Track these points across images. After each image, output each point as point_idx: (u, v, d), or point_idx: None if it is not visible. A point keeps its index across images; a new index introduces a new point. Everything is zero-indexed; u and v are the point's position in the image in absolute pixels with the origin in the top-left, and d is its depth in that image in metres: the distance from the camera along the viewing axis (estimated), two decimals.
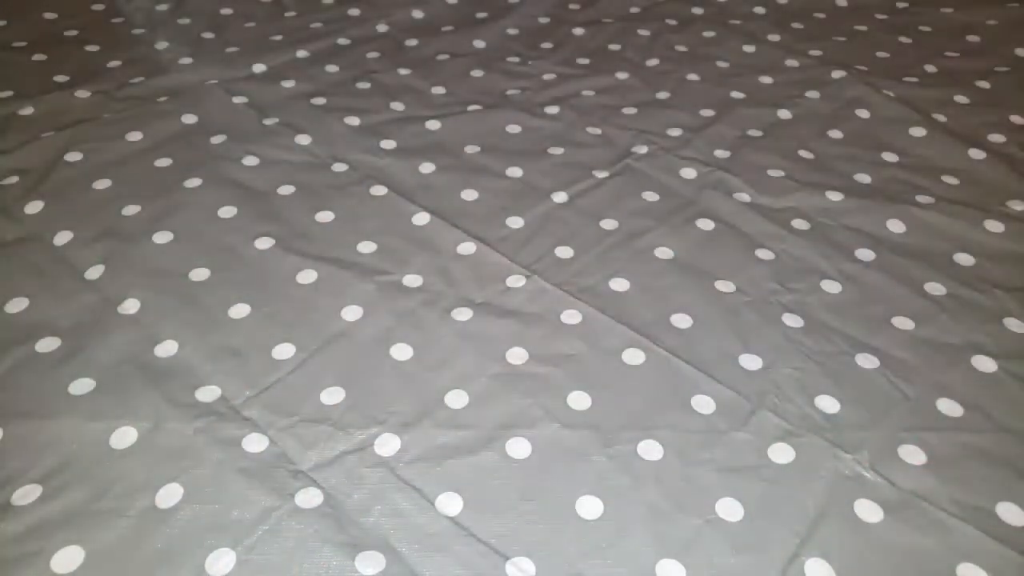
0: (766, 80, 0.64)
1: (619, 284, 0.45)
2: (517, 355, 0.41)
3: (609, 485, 0.35)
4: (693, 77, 0.64)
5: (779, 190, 0.52)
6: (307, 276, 0.45)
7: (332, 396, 0.39)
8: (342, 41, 0.68)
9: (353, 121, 0.58)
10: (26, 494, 0.35)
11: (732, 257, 0.47)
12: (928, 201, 0.51)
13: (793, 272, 0.46)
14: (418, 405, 0.39)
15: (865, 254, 0.48)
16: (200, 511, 0.34)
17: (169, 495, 0.35)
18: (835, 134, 0.58)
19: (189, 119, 0.58)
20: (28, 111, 0.58)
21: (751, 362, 0.41)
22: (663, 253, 0.47)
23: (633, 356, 0.41)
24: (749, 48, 0.68)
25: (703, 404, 0.39)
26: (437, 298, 0.44)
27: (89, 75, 0.62)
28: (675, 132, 0.58)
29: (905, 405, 0.39)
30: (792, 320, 0.43)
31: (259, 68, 0.64)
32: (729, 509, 0.35)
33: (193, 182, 0.52)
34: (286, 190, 0.52)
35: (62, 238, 0.47)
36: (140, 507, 0.34)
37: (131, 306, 0.43)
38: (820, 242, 0.48)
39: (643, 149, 0.56)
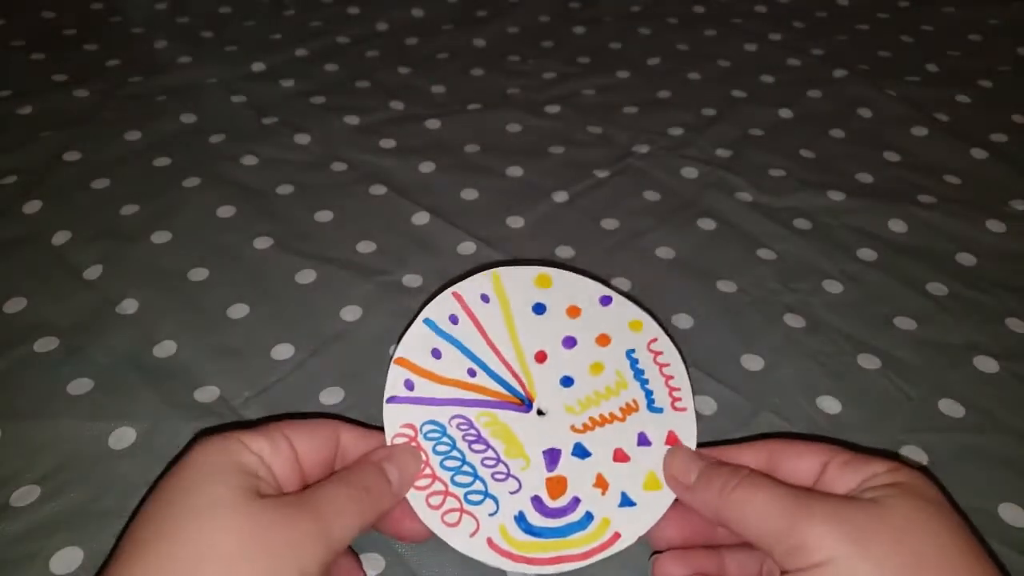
0: (768, 79, 0.64)
1: (620, 284, 0.45)
2: None
3: None
4: (694, 76, 0.64)
5: (781, 189, 0.52)
6: (306, 276, 0.45)
7: (332, 396, 0.39)
8: (341, 40, 0.67)
9: (352, 120, 0.58)
10: (25, 495, 0.34)
11: (734, 257, 0.47)
12: (930, 201, 0.51)
13: (795, 272, 0.46)
14: None
15: (867, 254, 0.48)
16: None
17: None
18: (837, 133, 0.58)
19: (188, 118, 0.58)
20: (26, 110, 0.57)
21: (752, 362, 0.41)
22: (664, 253, 0.47)
23: None
24: (751, 47, 0.68)
25: (704, 405, 0.39)
26: None
27: (88, 74, 0.62)
28: (676, 131, 0.57)
29: (907, 405, 0.39)
30: (794, 320, 0.43)
31: (258, 67, 0.64)
32: None
33: (192, 181, 0.52)
34: (285, 189, 0.51)
35: (60, 237, 0.47)
36: None
37: (129, 306, 0.43)
38: (822, 242, 0.48)
39: (644, 148, 0.56)
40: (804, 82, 0.63)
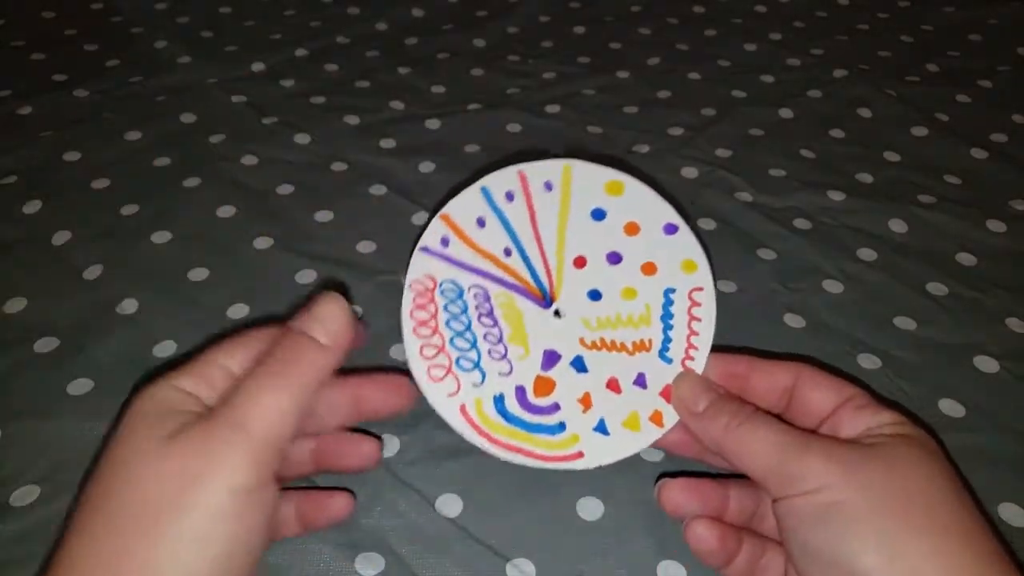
0: (768, 79, 0.64)
1: None
2: None
3: (610, 486, 0.35)
4: (694, 76, 0.64)
5: (781, 189, 0.52)
6: (306, 276, 0.45)
7: None
8: (341, 40, 0.67)
9: (352, 120, 0.58)
10: (24, 495, 0.34)
11: (734, 257, 0.47)
12: (930, 201, 0.51)
13: (795, 272, 0.46)
14: (417, 405, 0.38)
15: (867, 254, 0.48)
16: None
17: None
18: (837, 133, 0.58)
19: (188, 118, 0.58)
20: (26, 110, 0.57)
21: None
22: None
23: None
24: (750, 47, 0.68)
25: None
26: None
27: (88, 74, 0.62)
28: (676, 131, 0.57)
29: (907, 405, 0.39)
30: (794, 320, 0.43)
31: (258, 67, 0.64)
32: None
33: (192, 181, 0.52)
34: (285, 189, 0.51)
35: (60, 237, 0.47)
36: None
37: (129, 306, 0.43)
38: (822, 242, 0.48)
39: (644, 148, 0.56)
40: (804, 82, 0.63)
